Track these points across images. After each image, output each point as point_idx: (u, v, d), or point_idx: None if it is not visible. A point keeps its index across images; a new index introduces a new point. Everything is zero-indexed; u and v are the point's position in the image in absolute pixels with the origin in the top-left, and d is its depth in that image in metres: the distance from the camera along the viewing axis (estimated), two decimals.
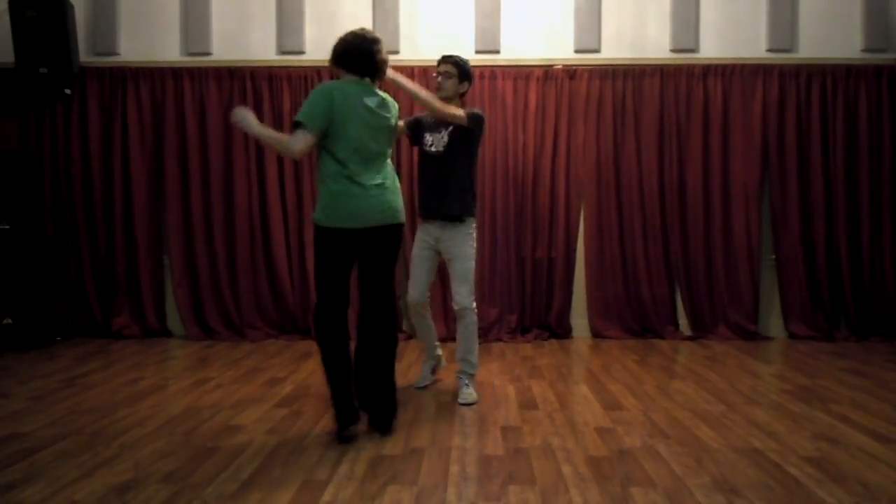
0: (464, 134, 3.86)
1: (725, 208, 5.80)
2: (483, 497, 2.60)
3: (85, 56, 5.84)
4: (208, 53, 5.87)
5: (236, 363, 4.91)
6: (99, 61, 5.86)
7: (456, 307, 3.89)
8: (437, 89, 3.95)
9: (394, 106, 3.40)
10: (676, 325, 5.87)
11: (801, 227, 5.78)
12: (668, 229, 5.83)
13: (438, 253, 4.00)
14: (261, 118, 5.76)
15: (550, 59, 5.81)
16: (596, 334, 5.86)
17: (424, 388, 4.21)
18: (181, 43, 5.90)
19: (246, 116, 3.16)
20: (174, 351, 5.40)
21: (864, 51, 5.78)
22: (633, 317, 5.86)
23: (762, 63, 5.77)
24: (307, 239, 5.80)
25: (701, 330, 5.82)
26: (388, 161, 3.36)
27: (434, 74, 4.01)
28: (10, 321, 5.42)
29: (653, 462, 2.94)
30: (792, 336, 5.79)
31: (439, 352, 4.33)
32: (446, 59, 3.96)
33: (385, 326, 3.34)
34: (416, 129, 4.05)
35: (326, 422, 3.50)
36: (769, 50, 5.81)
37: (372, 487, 2.68)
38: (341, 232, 3.17)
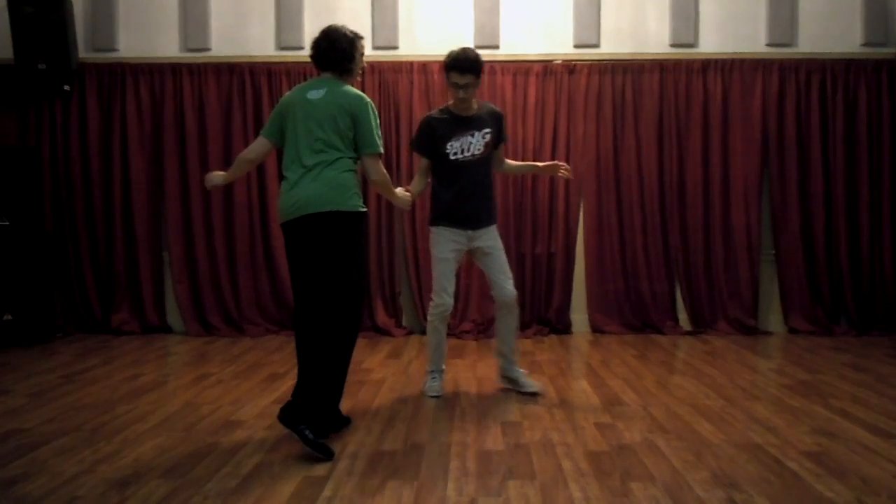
0: (497, 136, 3.91)
1: (725, 203, 5.80)
2: (483, 492, 2.60)
3: (84, 52, 5.83)
4: (207, 49, 5.86)
5: (236, 359, 4.92)
6: (98, 57, 5.85)
7: (507, 299, 3.88)
8: (459, 100, 3.75)
9: (361, 98, 3.19)
10: (676, 320, 5.87)
11: (800, 222, 5.78)
12: (667, 224, 5.83)
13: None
14: (260, 114, 5.79)
15: (550, 55, 5.80)
16: (595, 329, 5.86)
17: (438, 397, 3.91)
18: (180, 39, 5.89)
19: (211, 178, 3.53)
20: (174, 347, 5.40)
21: (863, 45, 5.77)
22: (632, 312, 5.86)
23: (762, 58, 5.76)
24: None
25: (700, 325, 5.82)
26: (342, 154, 3.17)
27: (453, 83, 3.71)
28: (10, 317, 5.42)
29: (652, 457, 2.95)
30: (791, 331, 5.79)
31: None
32: (465, 69, 3.67)
33: (321, 324, 3.12)
34: (431, 144, 3.81)
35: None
36: (769, 44, 5.80)
37: (372, 483, 2.68)
38: (282, 227, 3.24)
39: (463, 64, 3.68)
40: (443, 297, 3.86)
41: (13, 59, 5.57)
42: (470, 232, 3.86)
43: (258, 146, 3.39)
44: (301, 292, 3.22)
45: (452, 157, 3.80)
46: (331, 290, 3.12)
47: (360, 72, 3.37)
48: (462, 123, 3.81)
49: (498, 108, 4.00)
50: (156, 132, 5.85)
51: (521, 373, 4.02)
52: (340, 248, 3.12)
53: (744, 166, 5.77)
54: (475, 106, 3.87)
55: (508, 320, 3.95)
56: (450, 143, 3.79)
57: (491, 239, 3.90)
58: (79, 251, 5.87)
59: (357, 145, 3.22)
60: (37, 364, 4.75)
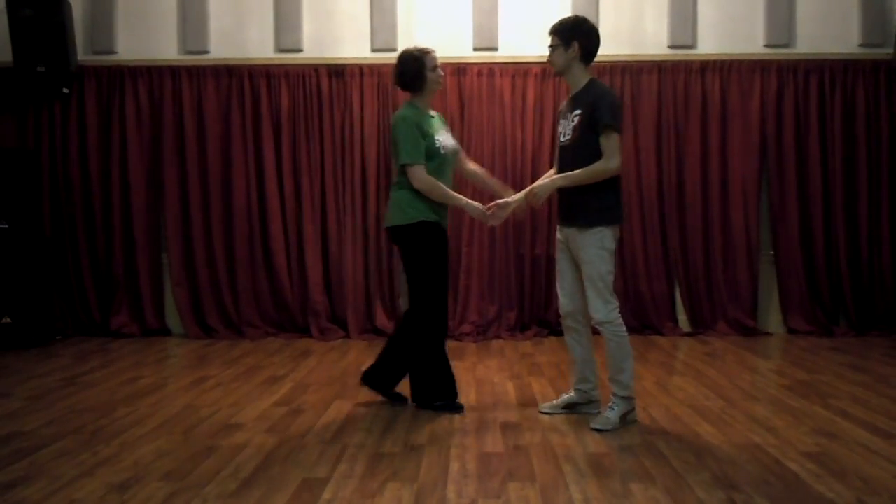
0: (593, 116, 3.32)
1: (724, 204, 5.80)
2: (483, 494, 2.60)
3: (83, 55, 5.83)
4: (206, 52, 5.86)
5: (235, 361, 4.91)
6: (97, 60, 5.85)
7: (592, 322, 3.46)
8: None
9: (395, 118, 3.61)
10: (675, 321, 5.87)
11: (799, 223, 5.78)
12: (666, 225, 5.83)
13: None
14: (259, 117, 5.80)
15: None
16: (595, 331, 5.84)
17: (548, 413, 3.62)
18: (179, 41, 5.89)
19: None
20: (173, 349, 5.40)
21: (861, 46, 5.78)
22: (631, 313, 5.84)
23: (760, 59, 5.77)
24: (306, 237, 5.81)
25: (700, 326, 5.82)
26: (401, 173, 3.59)
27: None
28: (9, 320, 5.41)
29: (652, 458, 2.95)
30: (791, 331, 5.79)
31: (586, 387, 3.56)
32: (550, 32, 3.48)
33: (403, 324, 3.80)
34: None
35: (326, 419, 3.51)
36: (767, 45, 5.81)
37: (372, 485, 2.68)
38: None
39: (550, 29, 3.53)
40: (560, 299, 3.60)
41: (12, 61, 5.57)
42: (567, 230, 3.50)
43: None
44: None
45: (558, 142, 3.55)
46: (413, 295, 3.65)
47: (438, 82, 3.65)
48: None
49: (613, 100, 3.42)
50: (155, 135, 5.85)
51: (609, 405, 3.48)
52: (402, 257, 3.71)
53: (742, 167, 5.77)
54: (583, 72, 3.48)
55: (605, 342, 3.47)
56: (559, 123, 3.57)
57: (581, 250, 3.40)
58: (78, 254, 5.86)
59: None
60: (36, 367, 4.74)
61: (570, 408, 3.61)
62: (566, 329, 3.62)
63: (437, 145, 3.56)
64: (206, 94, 5.80)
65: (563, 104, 3.60)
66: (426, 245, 3.58)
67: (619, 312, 3.42)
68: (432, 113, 3.73)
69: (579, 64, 3.43)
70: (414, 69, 3.58)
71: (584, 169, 3.32)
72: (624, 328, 3.42)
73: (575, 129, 3.39)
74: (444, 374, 3.68)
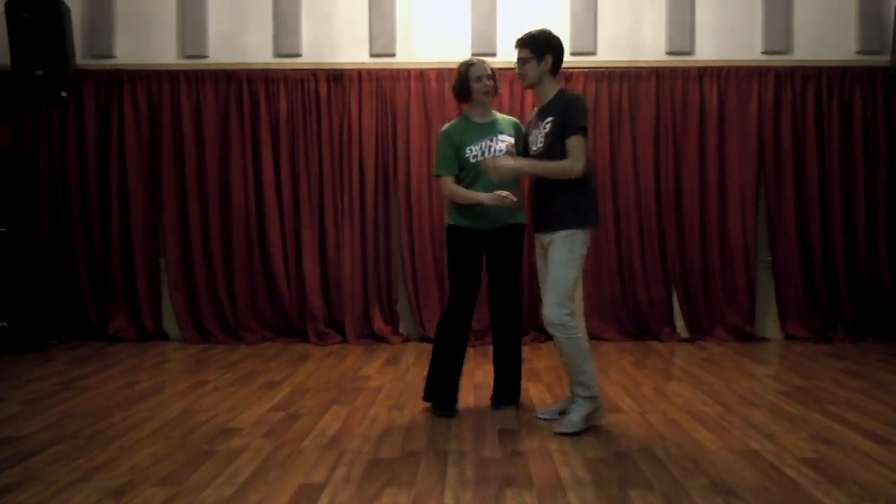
0: (564, 119, 3.36)
1: (722, 210, 5.81)
2: (480, 500, 2.59)
3: (81, 58, 5.84)
4: (205, 56, 5.87)
5: (233, 366, 4.90)
6: (95, 64, 5.85)
7: (544, 323, 3.45)
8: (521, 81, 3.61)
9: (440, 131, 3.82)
10: (673, 326, 5.88)
11: (797, 229, 5.80)
12: (664, 231, 5.84)
13: None
14: (257, 121, 5.80)
15: None
16: (593, 336, 5.81)
17: (546, 419, 3.59)
18: (178, 45, 5.89)
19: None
20: (170, 354, 5.39)
21: (858, 53, 5.80)
22: (629, 319, 5.86)
23: (758, 65, 5.79)
24: (304, 241, 5.80)
25: (698, 332, 5.82)
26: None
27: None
28: (5, 324, 5.40)
29: (650, 464, 2.94)
30: (788, 337, 5.80)
31: (583, 393, 3.41)
32: (517, 44, 3.53)
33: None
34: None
35: (323, 424, 3.50)
36: (764, 52, 5.83)
37: (369, 490, 2.67)
38: None
39: (517, 40, 3.60)
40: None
41: (10, 65, 5.57)
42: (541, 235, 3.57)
43: None
44: None
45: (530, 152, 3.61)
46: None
47: (485, 91, 3.73)
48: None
49: (578, 101, 3.46)
50: (153, 139, 5.85)
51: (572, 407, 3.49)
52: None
53: (740, 173, 5.78)
54: (553, 84, 3.57)
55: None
56: (530, 134, 3.63)
57: (552, 251, 3.45)
58: (75, 258, 5.85)
59: None
60: (32, 371, 4.73)
61: (566, 413, 3.58)
62: (554, 336, 3.52)
63: (466, 156, 3.66)
64: (204, 99, 5.81)
65: (533, 114, 3.66)
66: (451, 248, 3.76)
67: (572, 317, 3.37)
68: (491, 118, 3.79)
69: (550, 76, 3.51)
70: (460, 82, 3.73)
71: (552, 163, 3.38)
72: (577, 332, 3.40)
73: (547, 136, 3.44)
74: (445, 374, 3.70)
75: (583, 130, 3.34)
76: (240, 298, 5.82)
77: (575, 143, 3.34)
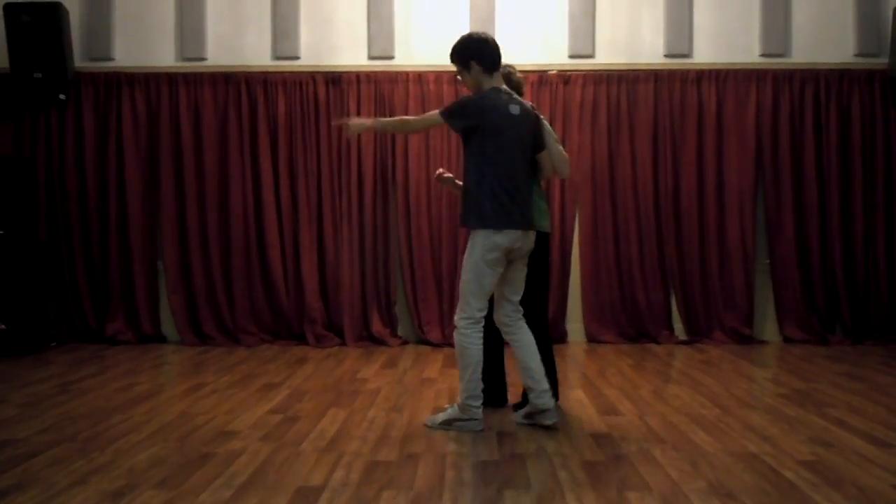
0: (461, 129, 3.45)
1: (720, 212, 5.82)
2: (479, 503, 2.59)
3: (79, 61, 5.84)
4: (203, 59, 5.87)
5: (231, 369, 4.90)
6: (94, 66, 5.85)
7: None
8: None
9: None
10: (672, 329, 5.88)
11: (795, 231, 5.80)
12: (662, 234, 5.84)
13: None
14: (256, 124, 5.80)
15: (545, 65, 5.82)
16: (591, 339, 5.86)
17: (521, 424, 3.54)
18: (176, 48, 5.89)
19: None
20: (169, 356, 5.38)
21: (856, 55, 5.81)
22: (628, 321, 5.86)
23: (756, 68, 5.80)
24: (302, 244, 5.80)
25: (696, 334, 5.83)
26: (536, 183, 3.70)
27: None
28: (3, 326, 5.39)
29: (648, 467, 2.94)
30: (787, 340, 5.80)
31: (530, 395, 3.42)
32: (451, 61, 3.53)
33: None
34: None
35: (322, 427, 3.50)
36: (763, 55, 5.84)
37: (368, 493, 2.67)
38: None
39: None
40: None
41: (9, 67, 5.57)
42: None
43: None
44: None
45: None
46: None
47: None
48: None
49: (458, 101, 3.58)
50: (151, 141, 5.85)
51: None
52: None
53: (738, 176, 5.79)
54: None
55: None
56: None
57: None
58: (73, 260, 5.85)
59: None
60: (30, 374, 4.72)
61: (529, 417, 3.49)
62: (504, 337, 3.58)
63: None
64: (203, 101, 5.81)
65: None
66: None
67: (476, 326, 3.36)
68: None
69: (487, 77, 3.42)
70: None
71: (396, 118, 3.77)
72: (470, 340, 3.36)
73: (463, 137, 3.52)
74: (489, 376, 3.60)
75: (444, 112, 3.42)
76: (238, 301, 5.82)
77: (430, 114, 3.57)
